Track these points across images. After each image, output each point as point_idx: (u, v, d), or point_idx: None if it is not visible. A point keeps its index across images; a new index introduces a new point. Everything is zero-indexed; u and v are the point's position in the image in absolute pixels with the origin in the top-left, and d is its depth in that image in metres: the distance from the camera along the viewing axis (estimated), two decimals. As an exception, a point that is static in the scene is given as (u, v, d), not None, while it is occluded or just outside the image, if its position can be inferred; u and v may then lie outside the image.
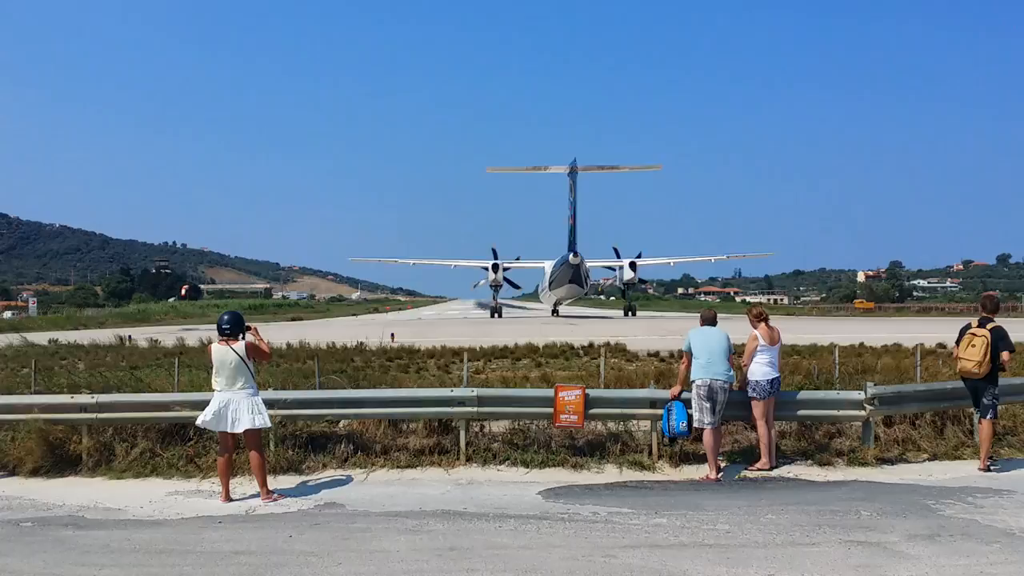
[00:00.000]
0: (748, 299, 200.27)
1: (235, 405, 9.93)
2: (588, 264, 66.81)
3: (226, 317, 10.22)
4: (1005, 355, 11.19)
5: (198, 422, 10.15)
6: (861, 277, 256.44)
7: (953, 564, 7.23)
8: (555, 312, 75.05)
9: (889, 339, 30.25)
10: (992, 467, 11.22)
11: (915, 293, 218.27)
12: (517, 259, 75.54)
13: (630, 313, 72.21)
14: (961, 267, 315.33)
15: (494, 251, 73.92)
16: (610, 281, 74.18)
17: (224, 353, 9.97)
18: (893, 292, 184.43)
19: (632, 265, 70.86)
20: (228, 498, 9.96)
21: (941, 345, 26.40)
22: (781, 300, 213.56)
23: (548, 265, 70.32)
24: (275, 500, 9.93)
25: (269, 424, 10.39)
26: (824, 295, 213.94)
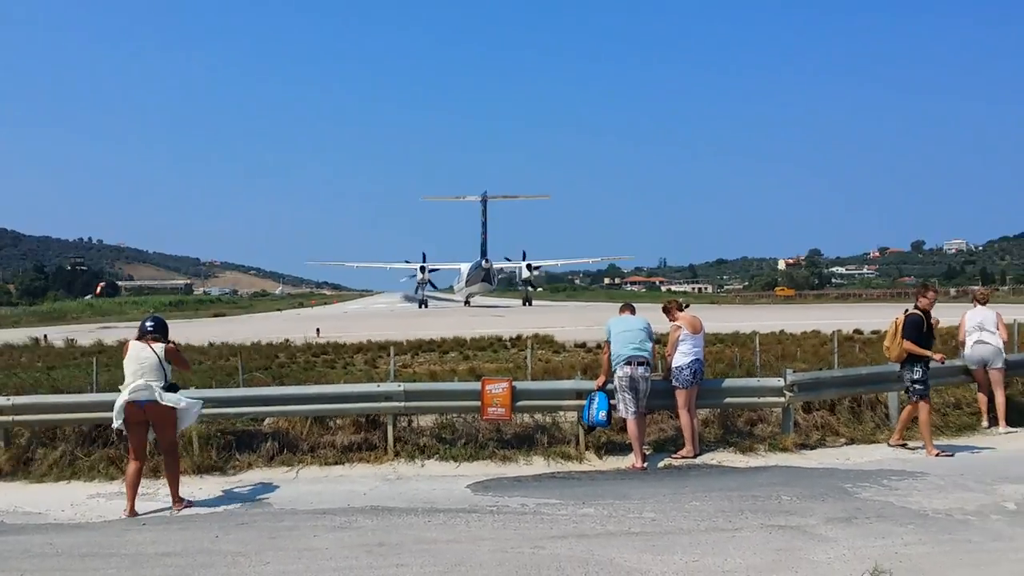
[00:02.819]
0: (672, 288, 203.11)
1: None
2: (495, 265, 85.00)
3: (151, 321, 9.81)
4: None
5: (114, 426, 9.66)
6: (782, 265, 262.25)
7: (869, 545, 7.45)
8: (467, 303, 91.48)
9: (809, 326, 31.04)
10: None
11: (833, 280, 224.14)
12: (424, 258, 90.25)
13: (527, 303, 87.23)
14: (877, 254, 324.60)
15: (423, 256, 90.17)
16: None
17: (142, 350, 9.49)
18: (813, 279, 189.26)
19: (528, 267, 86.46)
20: (133, 511, 9.32)
21: (858, 331, 27.22)
22: (705, 289, 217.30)
23: (464, 267, 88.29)
24: (187, 508, 9.51)
25: (193, 421, 10.03)
26: (747, 283, 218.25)
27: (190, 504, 9.60)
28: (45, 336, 36.15)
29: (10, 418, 11.68)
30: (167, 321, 10.17)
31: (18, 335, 38.13)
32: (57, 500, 10.11)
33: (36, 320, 73.27)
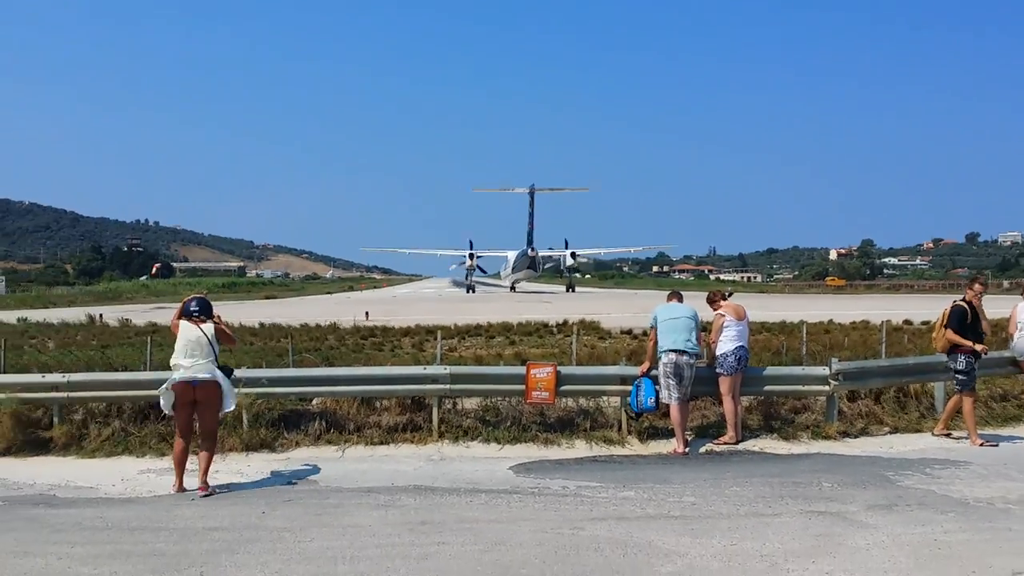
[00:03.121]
0: (721, 277, 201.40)
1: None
2: (540, 253, 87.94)
3: (194, 302, 9.84)
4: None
5: (165, 410, 9.73)
6: (833, 255, 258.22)
7: (909, 532, 7.44)
8: (513, 288, 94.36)
9: (858, 316, 30.67)
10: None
11: (886, 271, 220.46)
12: (472, 245, 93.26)
13: (571, 289, 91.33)
14: (931, 245, 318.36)
15: (471, 243, 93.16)
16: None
17: (192, 330, 9.53)
18: (864, 270, 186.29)
19: (572, 255, 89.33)
20: (182, 488, 9.45)
21: (908, 321, 26.81)
22: (755, 278, 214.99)
23: (511, 254, 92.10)
24: (210, 495, 9.31)
25: (232, 407, 9.94)
26: (797, 273, 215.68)
27: (213, 492, 9.38)
28: (100, 315, 36.87)
29: (65, 395, 12.01)
30: (212, 302, 10.23)
31: (74, 314, 38.96)
32: (108, 475, 10.38)
33: (92, 299, 74.73)
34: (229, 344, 10.20)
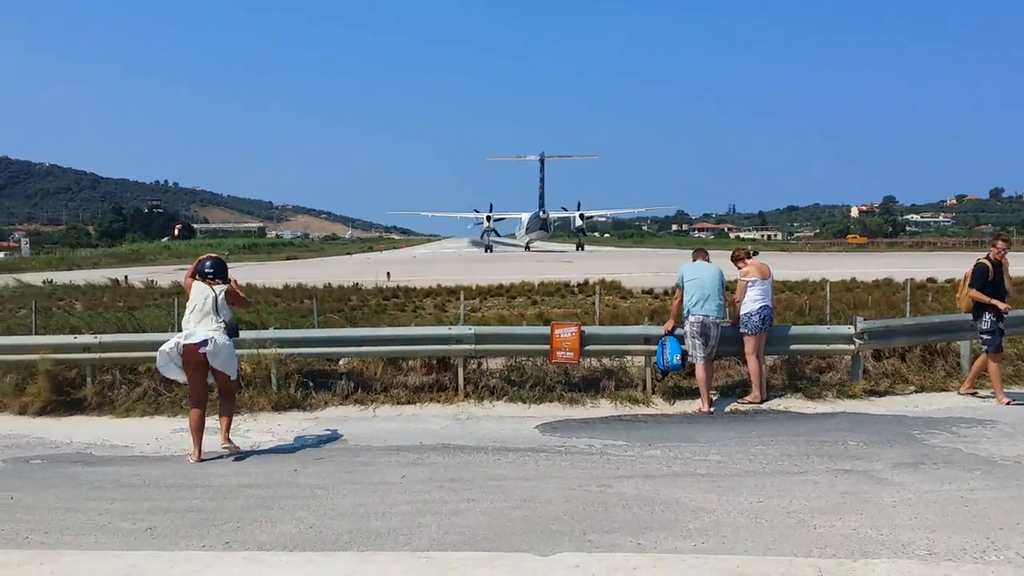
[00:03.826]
0: (742, 235, 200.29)
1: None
2: (551, 215, 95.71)
3: (209, 262, 9.55)
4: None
5: (176, 376, 9.57)
6: (855, 212, 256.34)
7: (936, 490, 7.48)
8: (527, 248, 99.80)
9: (881, 274, 30.52)
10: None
11: (908, 228, 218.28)
12: (491, 208, 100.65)
13: (580, 248, 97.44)
14: (954, 202, 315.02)
15: (491, 206, 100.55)
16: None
17: (205, 290, 9.33)
18: (886, 227, 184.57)
19: (581, 216, 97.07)
20: (200, 458, 9.18)
21: (931, 280, 26.69)
22: (775, 236, 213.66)
23: (525, 216, 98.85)
24: (232, 454, 9.24)
25: (235, 376, 9.60)
26: (818, 231, 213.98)
27: (238, 450, 9.32)
28: (126, 277, 37.26)
29: (97, 355, 12.21)
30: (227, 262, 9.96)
31: (99, 275, 39.36)
32: (142, 434, 10.58)
33: (115, 261, 75.44)
34: (243, 307, 10.13)
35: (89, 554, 6.41)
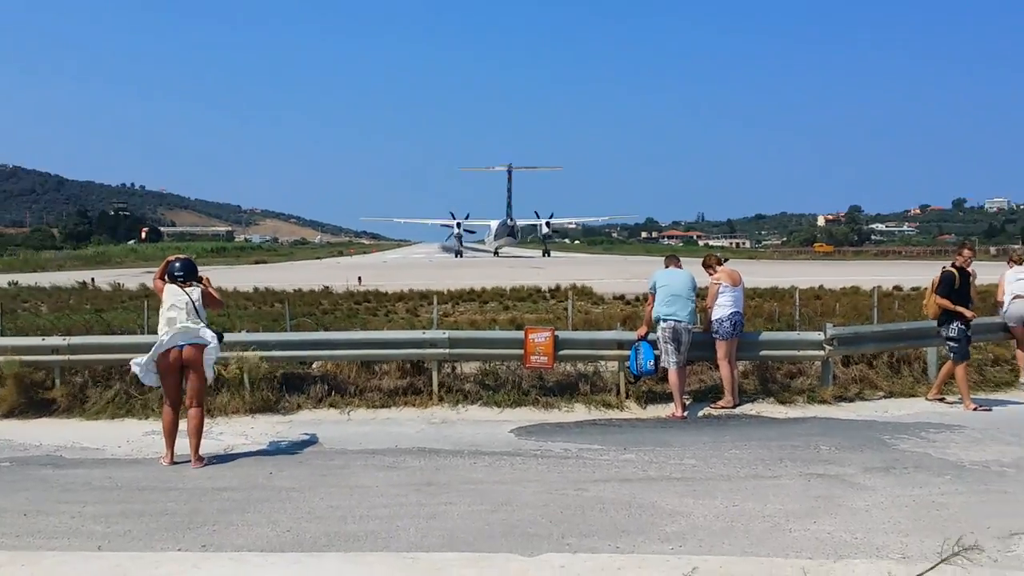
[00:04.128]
0: (710, 243, 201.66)
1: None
2: (520, 222, 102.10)
3: (178, 264, 9.39)
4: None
5: (147, 381, 9.41)
6: (821, 221, 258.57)
7: (907, 494, 7.60)
8: (496, 253, 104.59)
9: (848, 282, 30.92)
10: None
11: (873, 237, 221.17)
12: (467, 217, 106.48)
13: (547, 254, 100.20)
14: (918, 211, 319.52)
15: (467, 215, 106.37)
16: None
17: (178, 293, 9.16)
18: (852, 236, 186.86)
19: (547, 224, 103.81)
20: (172, 460, 9.07)
21: (898, 288, 27.12)
22: (743, 244, 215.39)
23: (494, 223, 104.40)
24: (204, 466, 9.00)
25: (211, 376, 9.40)
26: (785, 239, 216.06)
27: (208, 463, 9.10)
28: (92, 280, 36.88)
29: (66, 357, 12.06)
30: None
31: (64, 278, 38.93)
32: (113, 437, 10.45)
33: (81, 264, 74.60)
34: (216, 308, 9.92)
35: (71, 555, 6.36)
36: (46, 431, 10.86)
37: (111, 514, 7.37)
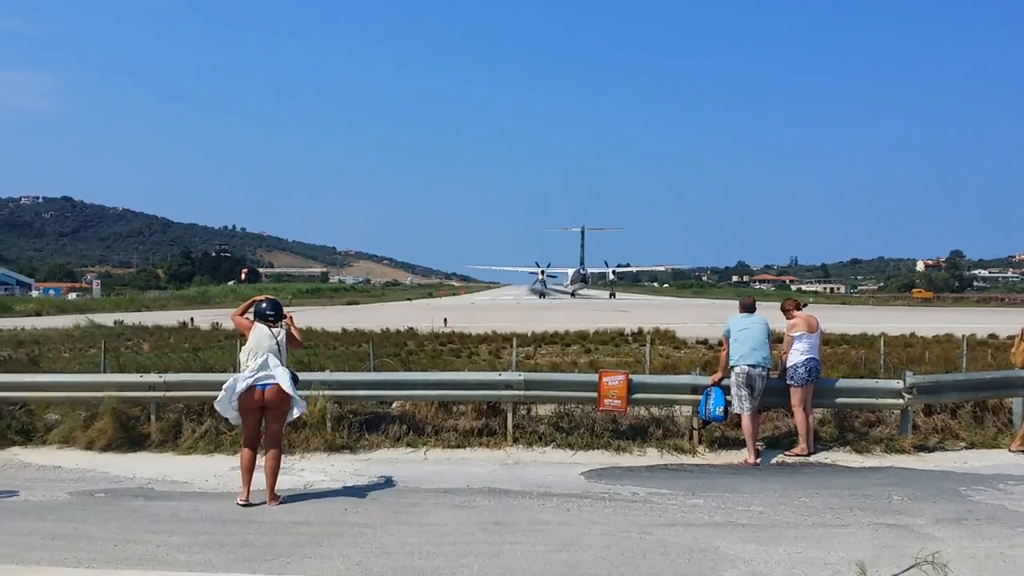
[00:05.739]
0: (803, 287, 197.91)
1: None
2: (590, 270, 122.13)
3: (266, 304, 9.66)
4: None
5: (231, 419, 9.61)
6: (920, 266, 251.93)
7: (976, 545, 7.51)
8: (573, 295, 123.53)
9: (941, 329, 30.13)
10: None
11: (975, 283, 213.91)
12: (549, 265, 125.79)
13: (612, 296, 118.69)
14: (1023, 257, 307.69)
15: (548, 263, 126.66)
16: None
17: (264, 333, 9.42)
18: (953, 282, 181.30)
19: (614, 272, 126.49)
20: (247, 499, 9.21)
21: (993, 336, 26.29)
22: (838, 289, 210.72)
23: (570, 271, 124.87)
24: (279, 504, 9.21)
25: (302, 411, 9.71)
26: (882, 284, 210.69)
27: (287, 499, 9.36)
28: (192, 319, 38.28)
29: (162, 394, 12.66)
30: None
31: (167, 318, 40.45)
32: (201, 471, 10.92)
33: (183, 303, 77.36)
34: (295, 347, 10.04)
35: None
36: (140, 464, 11.41)
37: (194, 544, 7.77)
